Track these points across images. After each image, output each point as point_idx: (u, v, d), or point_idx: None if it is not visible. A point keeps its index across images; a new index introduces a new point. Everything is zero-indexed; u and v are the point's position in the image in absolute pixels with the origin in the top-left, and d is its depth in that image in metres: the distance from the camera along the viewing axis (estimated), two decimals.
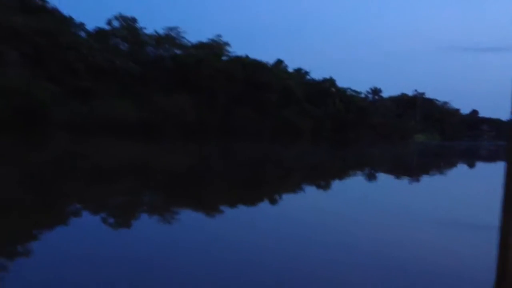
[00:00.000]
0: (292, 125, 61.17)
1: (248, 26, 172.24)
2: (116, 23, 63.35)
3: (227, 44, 67.56)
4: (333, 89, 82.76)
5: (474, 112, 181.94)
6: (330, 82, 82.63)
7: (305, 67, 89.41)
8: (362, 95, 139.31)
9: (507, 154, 0.75)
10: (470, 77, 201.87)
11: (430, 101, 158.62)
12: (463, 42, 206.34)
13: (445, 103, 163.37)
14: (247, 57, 63.71)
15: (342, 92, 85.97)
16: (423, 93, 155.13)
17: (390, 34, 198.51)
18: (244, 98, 55.59)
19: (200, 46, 64.88)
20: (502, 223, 0.55)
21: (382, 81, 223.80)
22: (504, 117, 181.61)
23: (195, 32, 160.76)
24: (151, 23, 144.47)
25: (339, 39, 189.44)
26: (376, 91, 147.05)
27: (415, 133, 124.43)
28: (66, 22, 55.72)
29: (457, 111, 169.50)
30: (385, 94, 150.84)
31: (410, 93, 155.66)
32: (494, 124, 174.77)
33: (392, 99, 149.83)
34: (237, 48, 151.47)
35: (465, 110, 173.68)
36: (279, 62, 71.28)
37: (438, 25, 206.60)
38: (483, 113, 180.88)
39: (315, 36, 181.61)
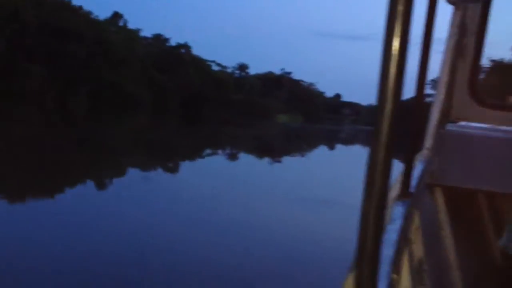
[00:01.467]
0: (121, 93, 47.37)
1: None
2: None
3: None
4: (188, 57, 70.44)
5: (337, 96, 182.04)
6: (185, 48, 70.18)
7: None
8: (228, 70, 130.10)
9: (371, 138, 0.62)
10: (336, 63, 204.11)
11: (297, 82, 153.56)
12: (332, 29, 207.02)
13: (311, 84, 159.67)
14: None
15: (198, 61, 74.05)
16: (290, 73, 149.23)
17: (264, 15, 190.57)
18: (37, 49, 39.70)
19: None
20: (363, 203, 0.60)
21: (252, 61, 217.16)
22: (364, 102, 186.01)
23: None
24: None
25: (214, 15, 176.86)
26: (242, 67, 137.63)
27: (278, 113, 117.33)
28: None
29: (321, 94, 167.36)
30: (253, 71, 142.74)
31: (277, 72, 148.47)
32: (355, 108, 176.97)
33: (259, 76, 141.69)
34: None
35: (329, 93, 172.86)
36: (116, 16, 56.44)
37: (309, 11, 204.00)
38: (346, 97, 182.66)
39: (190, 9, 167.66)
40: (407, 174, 2.04)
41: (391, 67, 0.68)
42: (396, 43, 0.68)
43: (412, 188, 2.03)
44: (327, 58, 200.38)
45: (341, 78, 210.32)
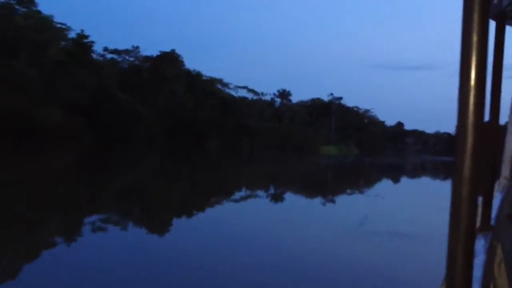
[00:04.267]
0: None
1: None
2: None
3: None
4: (176, 72, 50.33)
5: (399, 124, 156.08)
6: (171, 58, 50.20)
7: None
8: (267, 97, 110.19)
9: (453, 171, 0.66)
10: (393, 93, 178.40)
11: (349, 109, 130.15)
12: (388, 61, 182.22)
13: (367, 111, 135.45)
14: None
15: (195, 77, 53.76)
16: (340, 98, 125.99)
17: (318, 49, 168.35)
18: None
19: None
20: (449, 240, 0.64)
21: (304, 93, 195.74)
22: (430, 129, 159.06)
23: None
24: None
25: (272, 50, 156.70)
26: (284, 94, 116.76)
27: (323, 144, 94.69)
28: None
29: (381, 122, 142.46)
30: (298, 99, 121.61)
31: (325, 98, 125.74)
32: (420, 137, 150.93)
33: (304, 104, 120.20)
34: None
35: (390, 122, 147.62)
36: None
37: (365, 44, 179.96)
38: (409, 126, 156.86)
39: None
40: (486, 205, 1.98)
41: (470, 97, 0.63)
42: (473, 72, 0.63)
43: (492, 220, 1.96)
44: (382, 88, 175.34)
45: (402, 108, 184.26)
